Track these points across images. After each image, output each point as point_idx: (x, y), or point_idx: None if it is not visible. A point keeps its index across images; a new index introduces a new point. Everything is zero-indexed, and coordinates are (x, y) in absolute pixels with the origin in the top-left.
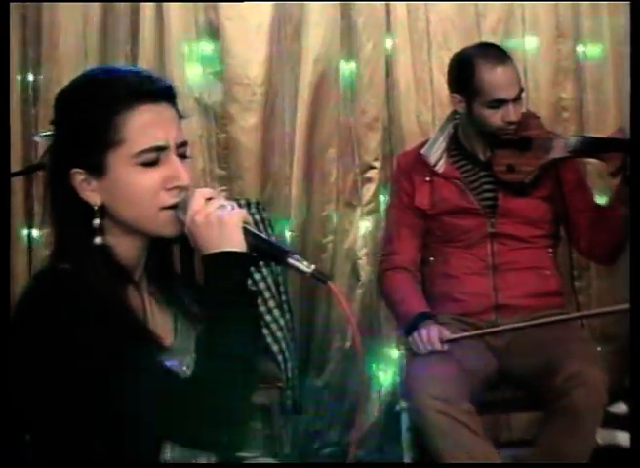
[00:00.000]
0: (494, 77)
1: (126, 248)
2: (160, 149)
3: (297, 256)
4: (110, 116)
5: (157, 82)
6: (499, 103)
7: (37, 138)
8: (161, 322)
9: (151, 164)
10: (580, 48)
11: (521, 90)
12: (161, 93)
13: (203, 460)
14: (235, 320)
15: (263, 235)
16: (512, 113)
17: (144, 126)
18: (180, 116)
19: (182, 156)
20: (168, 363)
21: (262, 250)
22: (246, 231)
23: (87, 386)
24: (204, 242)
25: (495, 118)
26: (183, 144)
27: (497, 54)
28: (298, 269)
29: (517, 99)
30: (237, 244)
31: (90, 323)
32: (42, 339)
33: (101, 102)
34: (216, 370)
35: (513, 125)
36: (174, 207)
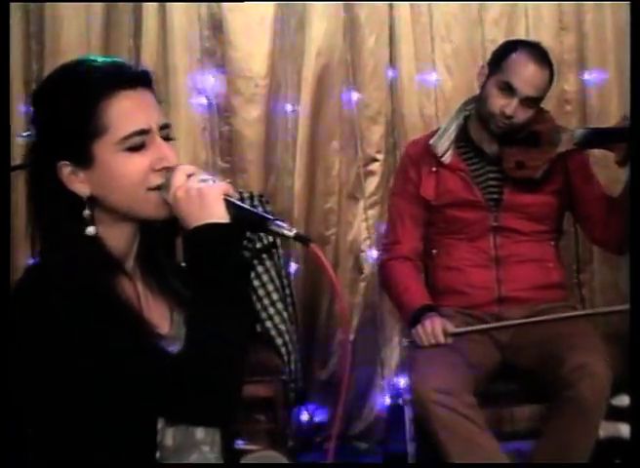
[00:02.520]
0: (520, 65)
1: (115, 237)
2: (144, 133)
3: (279, 222)
4: (91, 105)
5: (133, 68)
6: (508, 89)
7: (19, 139)
8: (157, 312)
9: (138, 148)
10: (582, 41)
11: (537, 98)
12: (138, 78)
13: (205, 445)
14: (220, 292)
15: (245, 205)
16: (513, 107)
17: (125, 111)
18: (159, 101)
19: (166, 138)
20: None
21: (246, 219)
22: (227, 202)
23: (82, 377)
24: (186, 217)
25: (495, 101)
26: (166, 126)
27: (540, 55)
28: (281, 234)
29: (527, 102)
30: (218, 215)
31: (82, 314)
32: (34, 334)
33: (82, 93)
34: (205, 343)
35: (507, 120)
36: (160, 188)
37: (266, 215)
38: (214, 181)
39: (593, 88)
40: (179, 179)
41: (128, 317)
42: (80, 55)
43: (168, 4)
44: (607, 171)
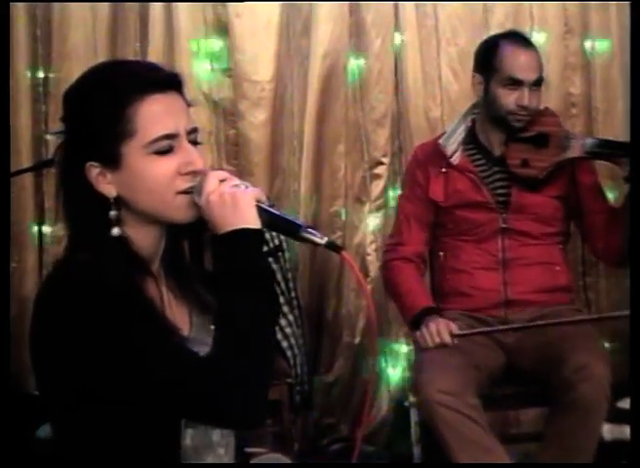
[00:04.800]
0: (513, 56)
1: (143, 238)
2: (171, 137)
3: (310, 230)
4: (121, 108)
5: (164, 72)
6: (514, 84)
7: (49, 137)
8: (178, 314)
9: (165, 152)
10: (588, 44)
11: (540, 78)
12: (168, 82)
13: (221, 447)
14: (250, 295)
15: (277, 211)
16: (526, 97)
17: (154, 115)
18: (189, 104)
19: (194, 142)
20: None
21: (277, 225)
22: (260, 208)
23: (107, 374)
24: (218, 221)
25: (508, 99)
26: (194, 131)
27: (521, 38)
28: (312, 241)
29: (535, 86)
30: (251, 221)
31: (107, 312)
32: (61, 330)
33: (112, 95)
34: (236, 346)
35: (526, 111)
36: (189, 192)
37: (298, 222)
38: (246, 187)
39: (599, 91)
40: (211, 184)
41: (153, 316)
42: (86, 58)
43: (174, 7)
44: (614, 183)
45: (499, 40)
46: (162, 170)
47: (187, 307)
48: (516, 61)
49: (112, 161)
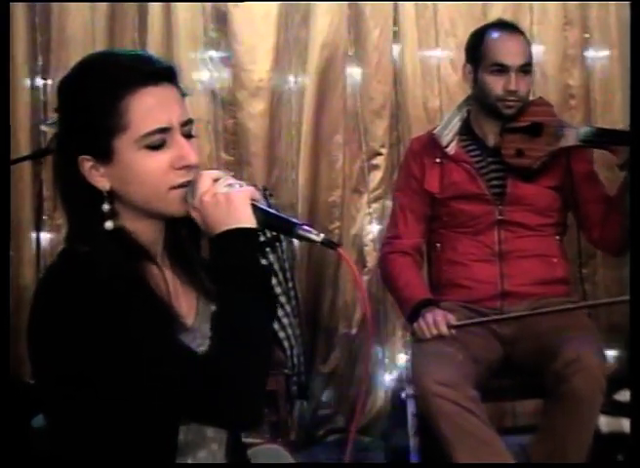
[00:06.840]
0: (498, 42)
1: (142, 230)
2: (164, 131)
3: (306, 227)
4: (113, 101)
5: (157, 63)
6: (501, 69)
7: (44, 127)
8: (184, 302)
9: (158, 147)
10: (587, 35)
11: (528, 63)
12: (161, 74)
13: (214, 443)
14: (247, 295)
15: (272, 210)
16: (513, 82)
17: (147, 109)
18: (183, 94)
19: (188, 135)
20: (189, 342)
21: (272, 224)
22: (254, 207)
23: (103, 367)
24: (213, 221)
25: (496, 85)
26: (188, 122)
27: (507, 25)
28: (308, 239)
29: (522, 71)
30: (246, 220)
31: (106, 304)
32: (58, 322)
33: (104, 88)
34: (233, 346)
35: (514, 96)
36: (183, 186)
37: (293, 220)
38: (240, 186)
39: (597, 83)
40: (205, 184)
41: (154, 306)
42: (84, 47)
43: None
44: (611, 173)
45: (485, 29)
46: (155, 164)
47: (194, 294)
48: (501, 47)
49: (105, 155)
